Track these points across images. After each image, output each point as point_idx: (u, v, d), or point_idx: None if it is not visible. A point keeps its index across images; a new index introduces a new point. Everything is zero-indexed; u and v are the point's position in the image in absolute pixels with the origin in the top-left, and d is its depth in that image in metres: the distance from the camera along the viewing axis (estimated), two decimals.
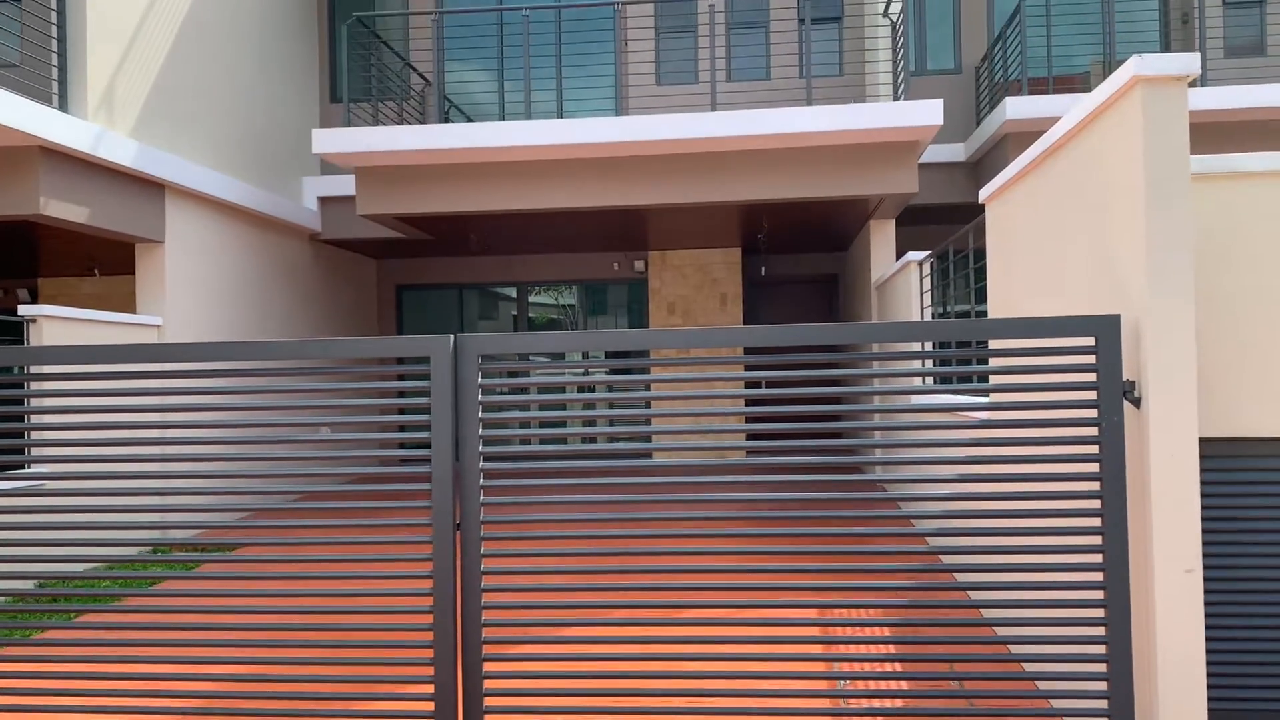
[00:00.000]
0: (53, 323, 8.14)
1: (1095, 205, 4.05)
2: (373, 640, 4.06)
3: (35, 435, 6.19)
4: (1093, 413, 3.60)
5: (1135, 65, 3.53)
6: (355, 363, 9.76)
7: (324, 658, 4.07)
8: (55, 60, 8.61)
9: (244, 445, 4.31)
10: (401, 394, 9.59)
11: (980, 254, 7.66)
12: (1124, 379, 3.59)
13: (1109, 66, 11.29)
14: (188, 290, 10.15)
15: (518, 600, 4.06)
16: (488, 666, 3.95)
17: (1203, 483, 3.94)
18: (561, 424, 9.37)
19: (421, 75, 12.79)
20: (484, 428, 3.97)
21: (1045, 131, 4.96)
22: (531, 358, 11.39)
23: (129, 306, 13.11)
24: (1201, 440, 3.93)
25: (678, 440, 10.73)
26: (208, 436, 4.51)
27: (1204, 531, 3.99)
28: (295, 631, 4.14)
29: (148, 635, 4.50)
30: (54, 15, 8.56)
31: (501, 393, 3.79)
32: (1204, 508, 3.98)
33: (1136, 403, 3.62)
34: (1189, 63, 3.51)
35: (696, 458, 14.10)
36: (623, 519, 3.92)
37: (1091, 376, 3.66)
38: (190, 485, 8.20)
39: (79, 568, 7.74)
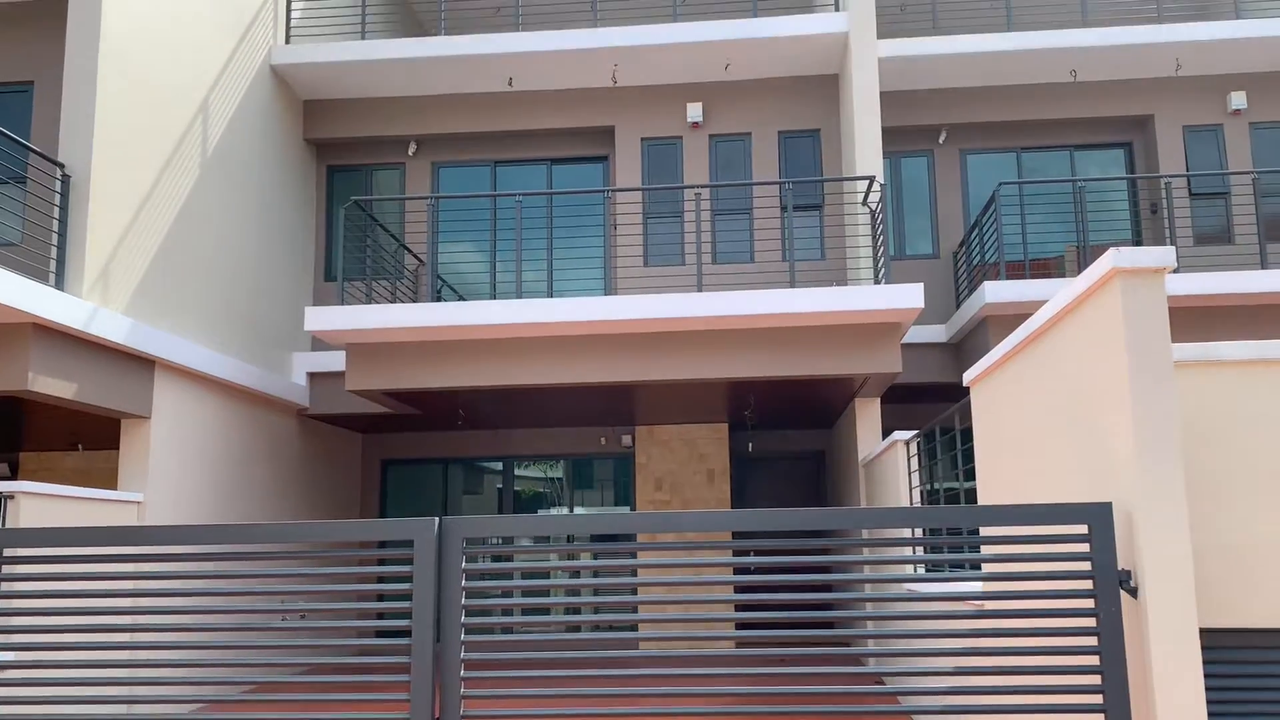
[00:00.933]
0: (31, 499, 8.01)
1: (1081, 393, 4.09)
2: None
3: (1, 621, 5.99)
4: (1090, 602, 3.52)
5: (1113, 258, 3.64)
6: (337, 545, 9.58)
7: None
8: (55, 240, 8.80)
9: (217, 633, 4.17)
10: (381, 579, 9.39)
11: (966, 434, 7.68)
12: (1120, 568, 3.53)
13: (1083, 251, 11.66)
14: (171, 467, 10.06)
15: None
16: None
17: (1205, 675, 3.82)
18: (547, 611, 9.16)
19: (415, 255, 13.12)
20: (466, 615, 3.86)
21: (1024, 314, 5.08)
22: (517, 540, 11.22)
23: (111, 482, 12.94)
24: (1201, 631, 3.84)
25: (665, 630, 10.47)
26: (182, 623, 4.36)
27: None
28: None
29: None
30: (57, 197, 8.80)
31: (488, 578, 3.72)
32: (1207, 702, 3.85)
33: (1133, 593, 3.55)
34: (1165, 256, 3.61)
35: (686, 649, 13.77)
36: (612, 714, 3.76)
37: (1087, 565, 3.61)
38: (160, 675, 7.89)
39: None
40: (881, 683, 9.29)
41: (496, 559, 9.21)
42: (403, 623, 3.84)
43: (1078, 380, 4.11)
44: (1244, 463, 4.18)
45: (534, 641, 4.04)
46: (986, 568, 4.77)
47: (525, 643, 3.99)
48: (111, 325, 9.02)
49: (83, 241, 8.89)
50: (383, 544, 9.09)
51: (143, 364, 9.69)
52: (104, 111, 9.18)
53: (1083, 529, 3.58)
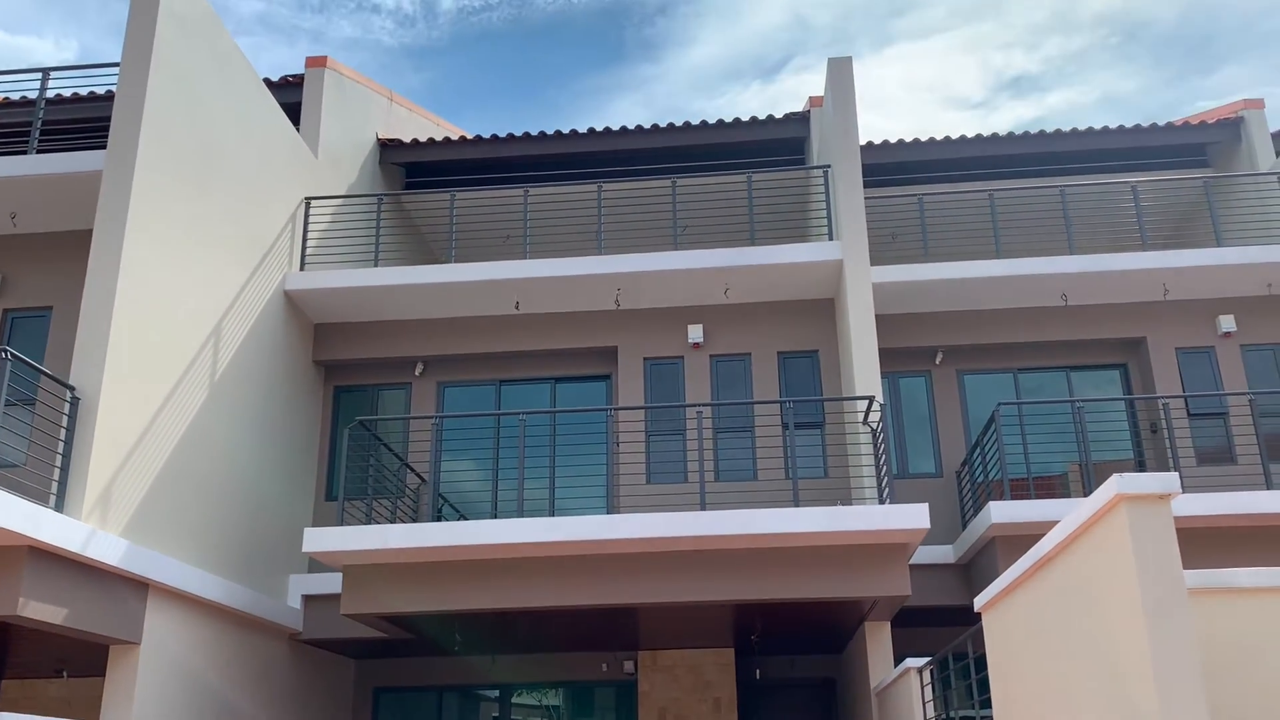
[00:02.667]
0: None
1: (1093, 619, 3.99)
2: None
3: None
4: None
5: (1117, 484, 3.63)
6: None
7: None
8: (59, 461, 8.82)
9: None
10: None
11: (980, 660, 7.44)
12: None
13: (1086, 470, 11.65)
14: (157, 695, 9.67)
15: None
16: None
17: None
18: None
19: (418, 474, 13.11)
20: None
21: (1032, 534, 5.02)
22: None
23: (93, 711, 12.41)
24: None
25: None
26: None
27: None
28: None
29: None
30: (65, 419, 8.88)
31: None
32: None
33: None
34: (1169, 481, 3.61)
35: None
36: None
37: None
38: None
39: None
40: None
41: None
42: None
43: (1090, 607, 4.01)
44: (1261, 694, 4.02)
45: None
46: None
47: None
48: (108, 547, 8.90)
49: (86, 463, 8.90)
50: None
51: (136, 587, 9.50)
52: (118, 334, 9.38)
53: None
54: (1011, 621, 5.31)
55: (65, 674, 12.57)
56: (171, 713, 9.89)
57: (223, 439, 11.28)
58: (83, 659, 11.04)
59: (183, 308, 10.57)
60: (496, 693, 14.61)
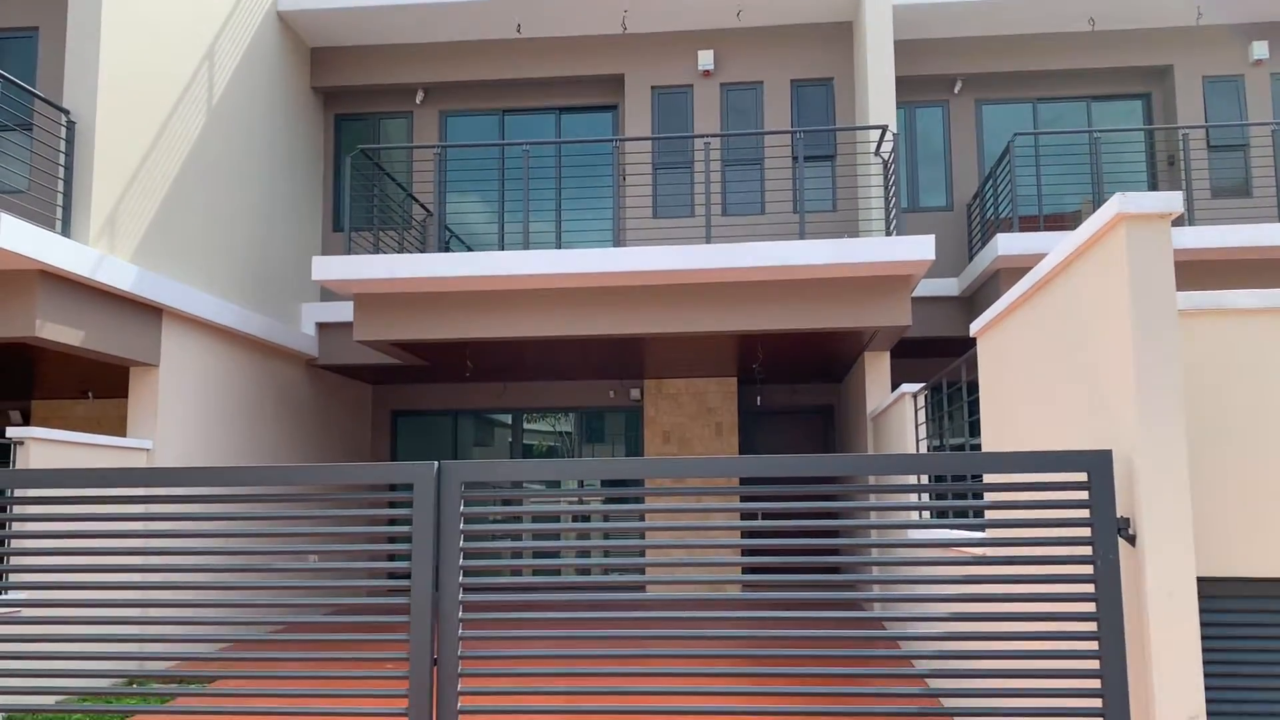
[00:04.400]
0: (40, 445, 8.08)
1: (1084, 340, 4.05)
2: None
3: (14, 560, 6.05)
4: (1088, 549, 3.51)
5: (1119, 203, 3.58)
6: (343, 489, 9.65)
7: None
8: (61, 187, 8.78)
9: (225, 574, 4.21)
10: (389, 521, 9.49)
11: (974, 387, 7.64)
12: (1119, 515, 3.51)
13: (1099, 205, 11.48)
14: (180, 414, 10.11)
15: None
16: None
17: (1202, 624, 3.82)
18: (547, 555, 9.22)
19: (423, 206, 13.05)
20: (465, 558, 3.87)
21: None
22: (520, 485, 11.29)
23: (121, 430, 13.03)
24: (1199, 580, 3.83)
25: (671, 574, 10.55)
26: (189, 564, 4.39)
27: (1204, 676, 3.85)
28: None
29: None
30: (63, 144, 8.77)
31: (486, 521, 3.69)
32: (1204, 650, 3.84)
33: (1131, 540, 3.53)
34: (1171, 200, 3.55)
35: (690, 591, 13.83)
36: (611, 655, 3.78)
37: (1085, 513, 3.59)
38: (169, 615, 7.99)
39: (50, 700, 7.47)
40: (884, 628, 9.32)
41: (497, 504, 9.29)
42: (404, 565, 3.86)
43: (1082, 327, 4.06)
44: (1249, 412, 4.14)
45: (534, 583, 4.05)
46: (987, 515, 4.76)
47: (525, 584, 4.00)
48: (118, 273, 9.02)
49: (88, 188, 8.87)
50: (392, 488, 9.15)
51: (150, 312, 9.71)
52: (108, 55, 9.10)
53: (1082, 477, 3.56)
54: (1004, 345, 5.41)
55: (91, 395, 13.10)
56: (195, 430, 10.37)
57: (225, 165, 11.17)
58: (105, 381, 11.45)
59: (172, 27, 10.18)
60: (509, 418, 15.23)
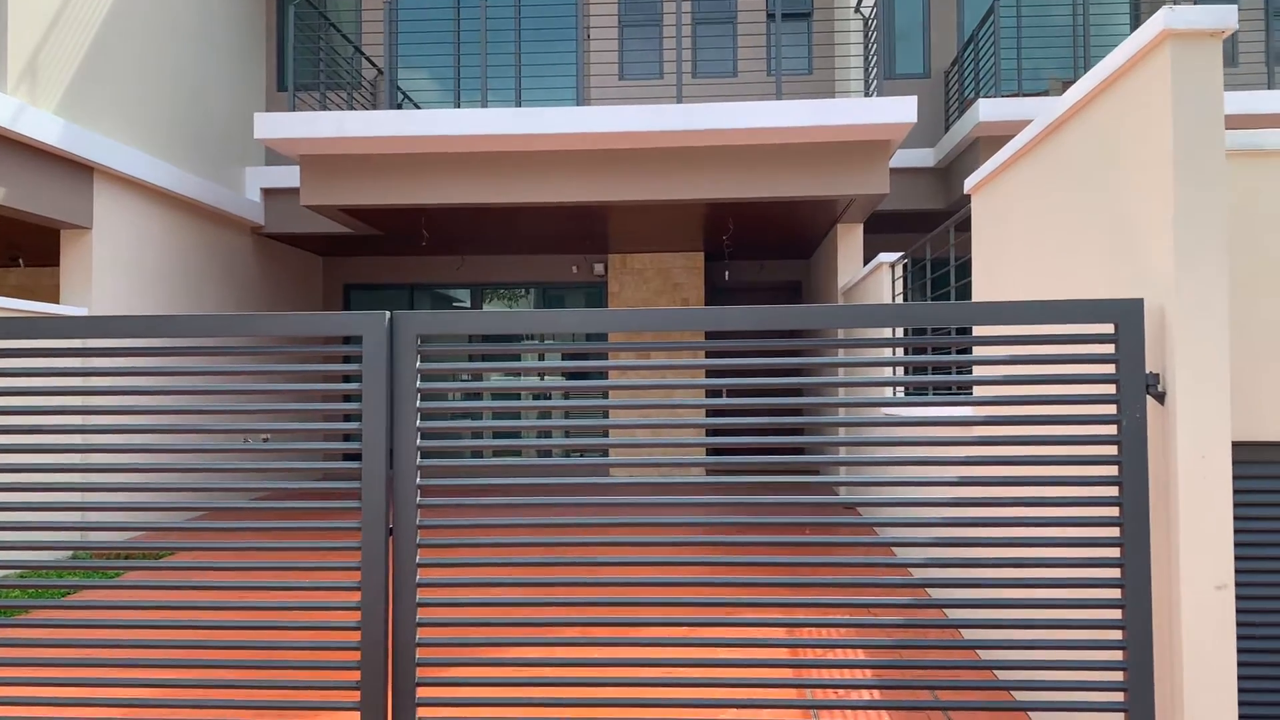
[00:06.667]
0: None
1: (1108, 183, 3.66)
2: (296, 660, 3.53)
3: None
4: (1111, 408, 3.18)
5: (1165, 18, 3.14)
6: (288, 341, 9.21)
7: (244, 680, 3.53)
8: None
9: (169, 436, 3.79)
10: (343, 378, 9.09)
11: (960, 255, 7.28)
12: (1147, 371, 3.18)
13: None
14: (115, 280, 9.51)
15: (457, 616, 3.57)
16: (421, 692, 3.45)
17: (1234, 493, 3.54)
18: (506, 416, 8.89)
19: (373, 63, 12.26)
20: (422, 419, 3.48)
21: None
22: (474, 340, 10.90)
23: (55, 299, 12.38)
24: (1233, 445, 3.54)
25: (634, 436, 10.29)
26: (131, 424, 3.96)
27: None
28: (211, 651, 3.61)
29: (57, 653, 3.95)
30: None
31: (444, 379, 3.38)
32: (1234, 520, 3.58)
33: (1161, 398, 3.21)
34: (1224, 16, 3.12)
35: (654, 454, 13.68)
36: (573, 524, 3.44)
37: (1110, 368, 3.26)
38: (113, 481, 7.58)
39: None
40: (857, 513, 9.16)
41: (454, 360, 8.91)
42: (355, 426, 3.47)
43: (1106, 169, 3.67)
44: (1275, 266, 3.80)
45: (494, 445, 3.67)
46: (995, 371, 4.40)
47: (485, 446, 3.63)
48: (41, 125, 8.29)
49: (3, 28, 8.08)
50: (345, 341, 8.70)
51: (80, 170, 9.01)
52: None
53: (1108, 329, 3.21)
54: (1006, 200, 5.02)
55: (21, 262, 12.38)
56: (133, 299, 9.79)
57: (156, 15, 10.30)
58: (37, 247, 10.78)
59: None
60: (468, 294, 14.72)
